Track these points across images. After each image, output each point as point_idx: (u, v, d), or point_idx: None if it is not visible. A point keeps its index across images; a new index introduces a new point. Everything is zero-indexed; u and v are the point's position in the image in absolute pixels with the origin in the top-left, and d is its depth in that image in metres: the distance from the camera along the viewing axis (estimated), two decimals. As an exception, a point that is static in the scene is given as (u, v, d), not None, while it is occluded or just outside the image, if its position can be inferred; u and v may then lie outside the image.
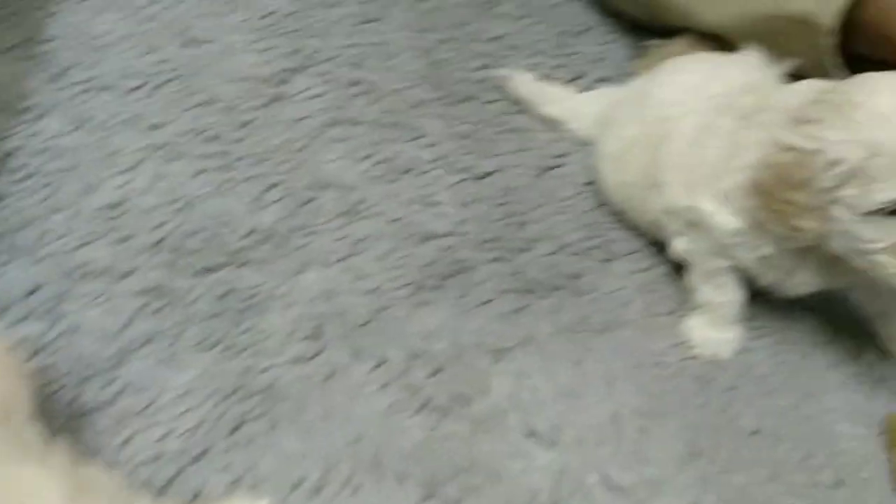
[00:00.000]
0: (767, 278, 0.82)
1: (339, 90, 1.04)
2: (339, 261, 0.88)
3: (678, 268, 0.91)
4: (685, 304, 0.89)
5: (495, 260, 0.91)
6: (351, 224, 0.91)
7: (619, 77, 1.07)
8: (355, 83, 1.05)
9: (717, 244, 0.82)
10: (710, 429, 0.81)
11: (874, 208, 0.69)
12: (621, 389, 0.82)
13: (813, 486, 0.78)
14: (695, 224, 0.82)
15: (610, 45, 1.14)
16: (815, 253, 0.76)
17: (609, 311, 0.88)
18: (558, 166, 1.00)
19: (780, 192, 0.72)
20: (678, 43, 1.04)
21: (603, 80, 1.08)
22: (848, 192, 0.69)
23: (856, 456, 0.80)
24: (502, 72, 1.06)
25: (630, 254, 0.94)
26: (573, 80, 1.09)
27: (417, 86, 1.05)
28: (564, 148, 1.02)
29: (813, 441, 0.81)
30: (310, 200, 0.93)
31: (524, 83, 1.05)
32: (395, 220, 0.92)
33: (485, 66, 1.08)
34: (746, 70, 0.86)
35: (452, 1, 1.16)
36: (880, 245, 0.70)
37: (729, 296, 0.86)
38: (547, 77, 1.07)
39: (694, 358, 0.86)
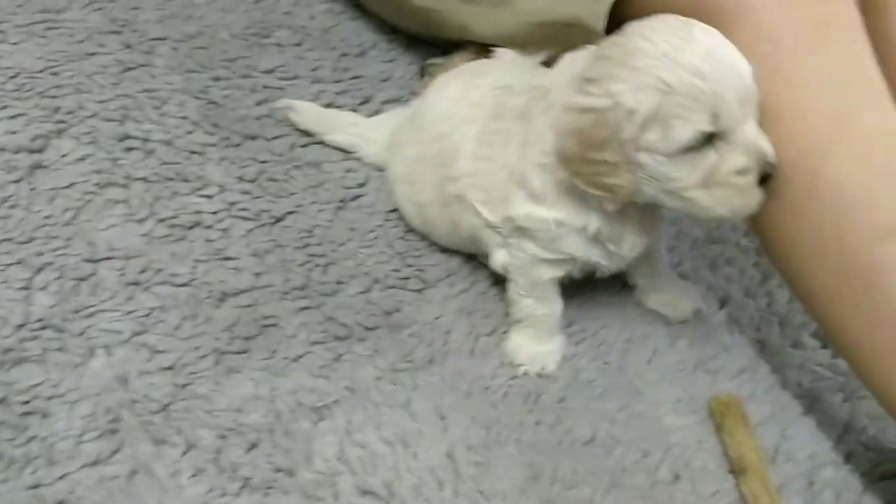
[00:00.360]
0: (602, 257, 0.80)
1: (106, 148, 0.94)
2: (128, 340, 0.80)
3: (496, 281, 0.89)
4: (507, 319, 0.87)
5: (304, 309, 0.85)
6: (137, 296, 0.83)
7: (407, 96, 1.04)
8: (124, 138, 0.96)
9: (546, 246, 0.79)
10: (547, 446, 0.78)
11: (677, 147, 0.69)
12: (454, 424, 0.78)
13: (653, 486, 0.77)
14: (520, 231, 0.80)
15: (393, 63, 1.10)
16: (634, 210, 0.77)
17: (431, 342, 0.85)
18: (358, 197, 0.96)
19: (586, 155, 0.71)
20: (460, 56, 1.02)
21: (391, 101, 1.04)
22: (650, 136, 0.69)
23: (688, 446, 0.80)
24: (281, 103, 1.00)
25: (445, 277, 0.90)
26: (361, 104, 1.04)
27: (193, 132, 0.97)
28: (362, 177, 0.97)
29: (647, 439, 0.80)
30: (87, 277, 0.83)
31: (307, 112, 0.99)
32: (186, 284, 0.85)
33: (265, 101, 1.02)
34: (502, 71, 0.85)
35: (220, 36, 1.08)
36: (690, 181, 0.71)
37: (551, 307, 0.84)
38: (332, 105, 1.02)
39: (523, 376, 0.83)
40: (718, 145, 0.70)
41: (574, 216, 0.77)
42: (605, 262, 0.81)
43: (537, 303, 0.84)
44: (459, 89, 0.86)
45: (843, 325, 0.75)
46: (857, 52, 0.75)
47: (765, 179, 0.71)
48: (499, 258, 0.84)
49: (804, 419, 0.84)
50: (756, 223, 0.80)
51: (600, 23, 0.84)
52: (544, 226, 0.78)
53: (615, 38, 0.73)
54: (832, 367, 0.88)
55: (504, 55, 0.87)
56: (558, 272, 0.82)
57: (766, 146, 0.71)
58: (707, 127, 0.69)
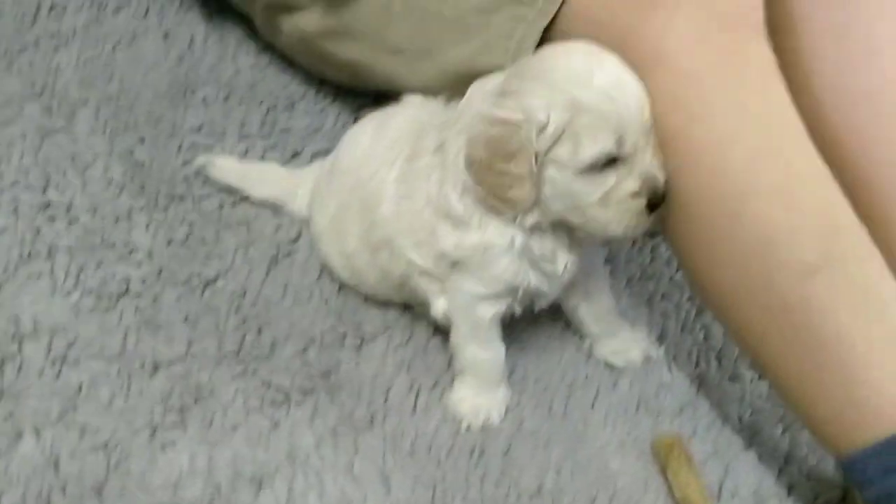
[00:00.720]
0: (538, 280, 0.80)
1: (27, 218, 0.92)
2: (58, 419, 0.77)
3: (436, 332, 0.88)
4: (449, 371, 0.86)
5: (239, 375, 0.83)
6: (66, 372, 0.81)
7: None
8: (46, 206, 0.93)
9: (482, 277, 0.79)
10: (494, 502, 0.77)
11: (584, 164, 0.72)
12: (398, 486, 0.77)
13: (603, 534, 0.77)
14: (455, 267, 0.80)
15: (322, 114, 1.09)
16: (560, 229, 0.78)
17: (372, 401, 0.84)
18: (291, 253, 0.94)
19: (493, 164, 0.74)
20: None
21: (322, 153, 1.02)
22: (559, 151, 0.73)
23: (635, 490, 0.80)
24: (202, 159, 0.98)
25: (384, 332, 0.89)
26: (291, 158, 1.03)
27: (118, 196, 0.95)
28: (294, 232, 0.96)
29: (593, 486, 0.80)
30: (11, 357, 0.81)
31: (228, 168, 0.98)
32: (117, 356, 0.83)
33: (192, 160, 1.00)
34: (413, 112, 0.86)
35: (143, 95, 1.06)
36: (591, 198, 0.74)
37: (494, 350, 0.84)
38: (261, 160, 1.01)
39: (466, 430, 0.83)
40: (619, 168, 0.73)
41: (499, 235, 0.78)
42: (542, 287, 0.81)
43: (480, 348, 0.83)
44: (372, 135, 0.87)
45: (775, 361, 0.76)
46: (772, 89, 0.77)
47: (654, 206, 0.75)
48: (439, 306, 0.83)
49: (746, 453, 0.85)
50: (684, 263, 0.81)
51: None
52: (474, 252, 0.78)
53: (531, 57, 0.77)
54: (771, 398, 0.89)
55: (412, 99, 0.88)
56: (499, 307, 0.82)
57: (660, 175, 0.74)
58: (612, 148, 0.72)
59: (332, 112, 1.10)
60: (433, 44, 0.90)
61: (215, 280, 0.90)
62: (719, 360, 0.92)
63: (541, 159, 0.73)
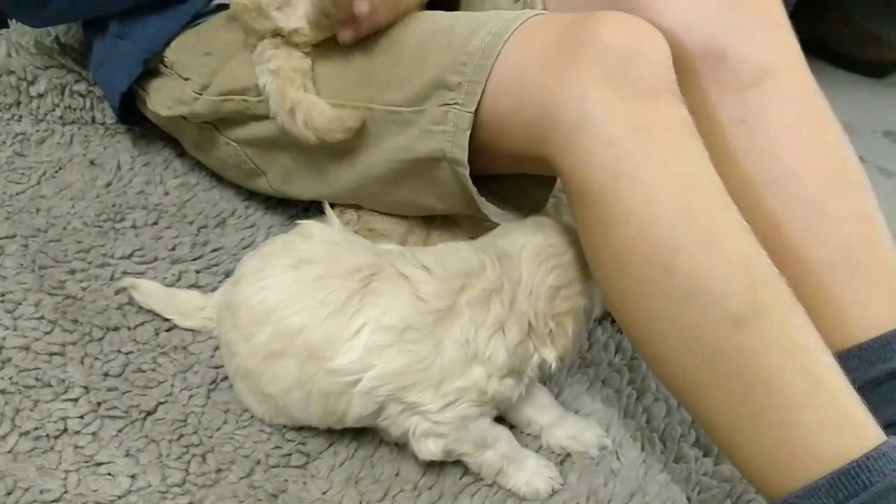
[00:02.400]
0: (517, 385, 0.85)
1: (-42, 363, 0.90)
2: (-3, 574, 0.75)
3: (381, 443, 0.88)
4: (397, 480, 0.86)
5: (186, 506, 0.82)
6: (4, 523, 0.78)
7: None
8: (-24, 350, 0.92)
9: (479, 397, 0.82)
10: None
11: None
12: None
13: None
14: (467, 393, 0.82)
15: (253, 229, 1.11)
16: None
17: (323, 520, 0.83)
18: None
19: None
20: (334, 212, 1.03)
21: (254, 269, 1.04)
22: None
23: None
24: (125, 282, 0.98)
25: (328, 447, 0.89)
26: (224, 277, 1.03)
27: (51, 332, 0.94)
28: (232, 353, 0.96)
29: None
30: (-55, 512, 0.78)
31: (152, 294, 0.97)
32: (58, 500, 0.81)
33: (124, 289, 1.00)
34: (321, 249, 0.86)
35: (72, 226, 1.07)
36: None
37: (500, 435, 0.86)
38: (195, 284, 1.01)
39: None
40: None
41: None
42: (518, 390, 0.85)
43: (492, 447, 0.85)
44: (290, 278, 0.83)
45: (710, 410, 0.78)
46: (690, 148, 0.80)
47: None
48: (431, 446, 0.84)
49: (698, 534, 0.86)
50: (619, 318, 0.83)
51: (463, 154, 0.87)
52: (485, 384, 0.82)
53: None
54: (716, 474, 0.91)
55: (309, 228, 0.88)
56: (488, 412, 0.85)
57: None
58: None
59: (263, 226, 1.12)
60: (371, 138, 0.93)
61: (155, 410, 0.89)
62: (664, 441, 0.94)
63: None
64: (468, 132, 0.86)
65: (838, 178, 0.89)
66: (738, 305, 0.75)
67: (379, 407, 0.82)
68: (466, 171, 0.87)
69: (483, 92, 0.85)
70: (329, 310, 0.81)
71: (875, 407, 0.81)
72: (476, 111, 0.85)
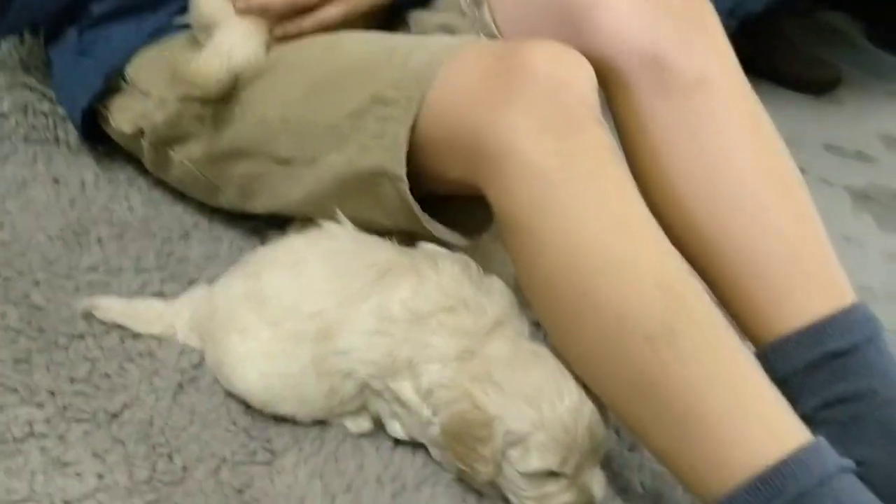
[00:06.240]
0: None
1: (-77, 373, 0.91)
2: (-35, 571, 0.76)
3: (345, 438, 0.91)
4: (361, 474, 0.88)
5: (153, 502, 0.83)
6: (-28, 522, 0.79)
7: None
8: (-59, 358, 0.93)
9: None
10: None
11: (528, 472, 0.83)
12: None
13: None
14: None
15: (217, 241, 1.13)
16: None
17: (286, 513, 0.85)
18: (195, 378, 0.96)
19: (465, 439, 0.83)
20: (294, 227, 1.06)
21: (218, 279, 1.06)
22: (511, 453, 0.83)
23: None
24: (84, 303, 0.99)
25: (293, 444, 0.91)
26: (189, 286, 1.05)
27: (15, 341, 0.96)
28: (196, 357, 0.97)
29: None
30: (-87, 513, 0.79)
31: (112, 308, 0.99)
32: (25, 500, 0.82)
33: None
34: (346, 246, 0.92)
35: (36, 239, 1.08)
36: (529, 493, 0.84)
37: None
38: (160, 293, 1.03)
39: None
40: (560, 479, 0.83)
41: None
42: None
43: None
44: (319, 268, 0.91)
45: (639, 424, 0.82)
46: (611, 173, 0.84)
47: None
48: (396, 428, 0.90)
49: (652, 518, 0.89)
50: (552, 338, 0.88)
51: (401, 168, 0.89)
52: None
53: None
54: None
55: (332, 228, 0.94)
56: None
57: (597, 491, 0.84)
58: (555, 468, 0.83)
59: (227, 238, 1.14)
60: (315, 152, 0.96)
61: (121, 412, 0.91)
62: (617, 432, 0.97)
63: (499, 451, 0.83)
64: (405, 147, 0.88)
65: (774, 177, 0.94)
66: (652, 325, 0.79)
67: (363, 388, 0.89)
68: (406, 186, 0.89)
69: (419, 111, 0.88)
70: (343, 297, 0.88)
71: (812, 389, 0.86)
72: (414, 130, 0.88)
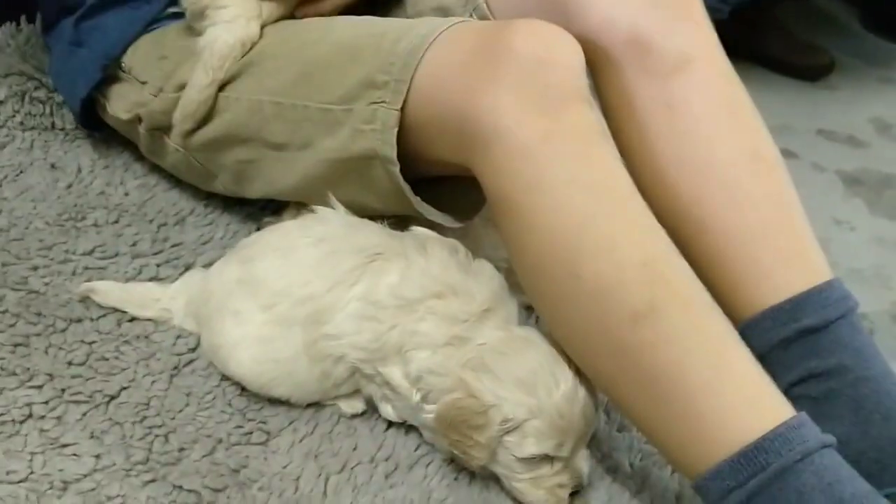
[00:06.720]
0: None
1: (-77, 356, 0.93)
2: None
3: (339, 420, 0.92)
4: (355, 454, 0.90)
5: (149, 483, 0.85)
6: (-28, 502, 0.81)
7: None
8: (-58, 342, 0.94)
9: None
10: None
11: (524, 456, 0.85)
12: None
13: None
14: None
15: (212, 226, 1.14)
16: None
17: (282, 492, 0.86)
18: (191, 361, 0.97)
19: (461, 427, 0.84)
20: (289, 213, 1.07)
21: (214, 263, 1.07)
22: (508, 438, 0.85)
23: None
24: (82, 288, 1.01)
25: (288, 425, 0.93)
26: (185, 270, 1.07)
27: (14, 325, 0.97)
28: (193, 341, 0.99)
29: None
30: (-86, 492, 0.81)
31: (109, 292, 1.01)
32: (24, 480, 0.83)
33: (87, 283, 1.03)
34: (339, 230, 0.93)
35: (34, 225, 1.10)
36: (524, 476, 0.86)
37: None
38: (155, 277, 1.05)
39: (375, 508, 0.86)
40: (554, 462, 0.85)
41: None
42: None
43: None
44: (311, 253, 0.92)
45: (625, 401, 0.84)
46: (596, 154, 0.85)
47: (576, 492, 0.88)
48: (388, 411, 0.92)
49: (639, 497, 0.91)
50: (541, 316, 0.90)
51: (392, 151, 0.91)
52: None
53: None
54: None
55: (325, 212, 0.95)
56: None
57: (585, 468, 0.87)
58: (551, 452, 0.85)
59: (222, 223, 1.15)
60: (308, 137, 0.97)
61: (118, 394, 0.93)
62: (607, 413, 0.99)
63: (495, 438, 0.84)
64: (395, 129, 0.90)
65: (754, 158, 0.95)
66: (635, 303, 0.80)
67: (354, 372, 0.90)
68: (397, 169, 0.91)
69: (409, 93, 0.89)
70: (333, 281, 0.89)
71: (786, 364, 0.87)
72: (403, 112, 0.89)
